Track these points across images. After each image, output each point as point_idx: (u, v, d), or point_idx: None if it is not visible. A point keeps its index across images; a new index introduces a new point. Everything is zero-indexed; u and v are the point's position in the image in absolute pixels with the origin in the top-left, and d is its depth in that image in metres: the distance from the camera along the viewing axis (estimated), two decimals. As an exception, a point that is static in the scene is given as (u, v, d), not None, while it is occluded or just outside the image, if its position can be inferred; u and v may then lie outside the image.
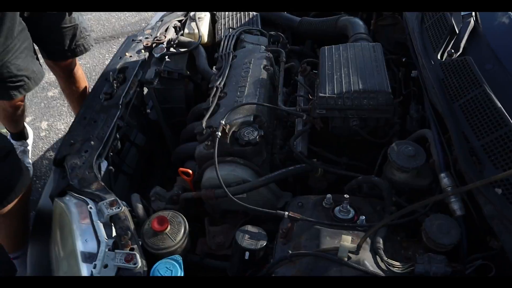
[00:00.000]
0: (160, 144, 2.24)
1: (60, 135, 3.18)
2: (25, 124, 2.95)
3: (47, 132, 3.23)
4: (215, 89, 1.75)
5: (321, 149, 1.64)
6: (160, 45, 2.10)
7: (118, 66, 1.99)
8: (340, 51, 1.71)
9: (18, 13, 1.97)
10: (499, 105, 1.29)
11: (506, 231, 1.10)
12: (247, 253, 1.26)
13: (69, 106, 3.01)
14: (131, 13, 4.63)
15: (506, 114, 1.25)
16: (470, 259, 1.17)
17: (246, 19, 2.40)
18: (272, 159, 1.64)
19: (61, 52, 2.38)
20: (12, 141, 2.90)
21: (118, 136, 1.73)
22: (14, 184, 1.87)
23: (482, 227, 1.21)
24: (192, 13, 2.38)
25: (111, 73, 1.88)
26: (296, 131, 1.64)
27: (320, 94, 1.53)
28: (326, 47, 1.77)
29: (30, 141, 3.07)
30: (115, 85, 1.85)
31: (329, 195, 1.33)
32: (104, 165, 1.59)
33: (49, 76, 3.88)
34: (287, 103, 1.86)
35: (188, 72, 2.17)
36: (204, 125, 1.58)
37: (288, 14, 2.50)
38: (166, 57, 2.09)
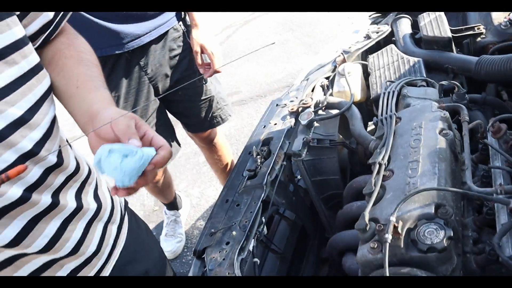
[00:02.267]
0: (311, 220, 1.97)
1: (210, 203, 3.11)
2: (177, 194, 2.96)
3: (199, 199, 3.20)
4: (377, 166, 1.38)
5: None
6: (307, 110, 1.85)
7: (261, 137, 1.82)
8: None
9: (153, 92, 2.10)
10: None
11: None
12: None
13: (219, 172, 2.97)
14: (276, 69, 4.55)
15: None
16: None
17: (406, 68, 2.00)
18: (464, 260, 1.19)
19: (199, 124, 2.37)
20: (165, 211, 2.94)
21: (264, 220, 1.52)
22: None
23: None
24: (340, 69, 2.09)
25: (254, 147, 1.72)
26: (500, 225, 1.16)
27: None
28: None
29: (184, 210, 3.07)
30: (259, 160, 1.67)
31: None
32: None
33: (201, 142, 3.95)
34: (474, 176, 1.39)
35: (341, 137, 1.87)
36: (366, 218, 1.22)
37: (460, 54, 2.02)
38: (315, 122, 1.82)
